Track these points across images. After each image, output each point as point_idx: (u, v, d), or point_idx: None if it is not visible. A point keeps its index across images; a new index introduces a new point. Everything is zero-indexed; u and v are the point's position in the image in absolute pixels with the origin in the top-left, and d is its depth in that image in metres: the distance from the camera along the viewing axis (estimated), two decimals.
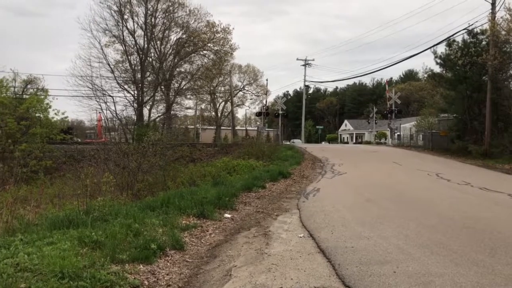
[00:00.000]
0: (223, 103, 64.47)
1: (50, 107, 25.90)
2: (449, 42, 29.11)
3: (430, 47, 30.58)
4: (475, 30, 28.10)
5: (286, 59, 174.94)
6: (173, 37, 36.65)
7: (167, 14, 35.00)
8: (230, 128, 56.95)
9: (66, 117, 28.20)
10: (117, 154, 15.30)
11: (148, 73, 35.37)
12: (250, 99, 70.41)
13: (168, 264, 5.91)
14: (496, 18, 25.66)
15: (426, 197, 11.39)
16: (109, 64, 32.37)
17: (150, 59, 35.81)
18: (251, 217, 9.10)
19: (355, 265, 5.38)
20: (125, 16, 33.38)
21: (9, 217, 7.59)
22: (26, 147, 21.52)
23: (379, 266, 5.33)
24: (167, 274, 5.50)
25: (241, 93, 67.93)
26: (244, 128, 67.02)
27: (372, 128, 73.51)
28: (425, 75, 35.51)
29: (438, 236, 6.85)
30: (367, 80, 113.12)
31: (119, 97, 34.38)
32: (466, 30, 28.18)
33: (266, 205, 10.47)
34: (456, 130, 30.51)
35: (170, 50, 36.83)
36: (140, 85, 33.35)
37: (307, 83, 68.26)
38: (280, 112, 45.61)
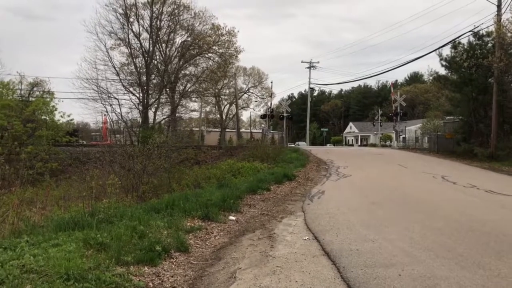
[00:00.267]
0: (228, 105, 64.70)
1: (56, 109, 26.04)
2: (455, 44, 29.02)
3: (435, 50, 30.49)
4: (481, 32, 28.02)
5: (291, 62, 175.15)
6: (178, 40, 36.86)
7: (172, 17, 35.14)
8: (235, 130, 57.08)
9: (71, 120, 28.29)
10: (122, 156, 15.35)
11: (153, 76, 35.50)
12: (255, 101, 70.64)
13: (173, 266, 5.91)
14: (502, 20, 25.57)
15: (431, 199, 11.34)
16: (114, 67, 32.56)
17: (155, 62, 35.95)
18: (255, 220, 9.10)
19: (360, 268, 5.36)
20: (131, 19, 33.56)
21: (15, 219, 7.63)
22: (32, 149, 21.60)
23: (384, 269, 5.32)
24: (172, 276, 5.51)
25: (246, 95, 68.19)
26: (249, 131, 67.17)
27: (377, 130, 73.40)
28: (431, 78, 35.36)
29: (444, 239, 6.82)
30: (372, 83, 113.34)
31: (124, 99, 34.58)
32: (471, 32, 28.11)
33: (271, 208, 10.46)
34: (461, 133, 30.38)
35: (175, 53, 36.96)
36: (145, 87, 33.47)
37: (312, 86, 68.22)
38: (285, 114, 45.62)
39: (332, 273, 5.25)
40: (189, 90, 39.39)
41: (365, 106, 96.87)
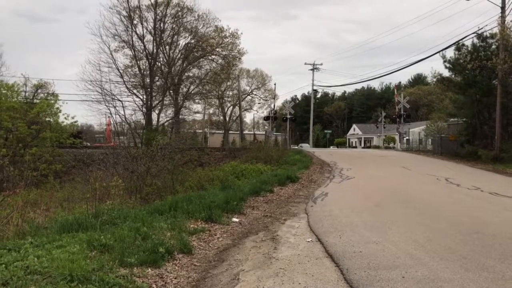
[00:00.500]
0: (231, 107, 64.70)
1: (60, 111, 26.10)
2: (458, 46, 28.94)
3: (439, 51, 30.39)
4: (485, 34, 27.93)
5: (294, 64, 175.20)
6: (182, 42, 36.92)
7: (176, 19, 35.23)
8: (238, 132, 57.09)
9: (75, 122, 28.39)
10: (126, 158, 15.39)
11: (157, 78, 35.57)
12: (258, 103, 70.61)
13: (176, 267, 5.92)
14: (506, 22, 25.52)
15: (435, 201, 11.31)
16: (118, 69, 32.64)
17: (159, 64, 36.03)
18: (259, 222, 9.10)
19: (363, 270, 5.36)
20: (135, 21, 33.65)
21: (20, 220, 7.67)
22: (36, 151, 21.68)
23: (387, 271, 5.31)
24: (175, 278, 5.52)
25: (249, 97, 68.20)
26: (252, 133, 67.19)
27: (381, 132, 73.28)
28: (434, 79, 35.25)
29: (447, 241, 6.80)
30: (376, 85, 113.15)
31: (128, 101, 34.49)
32: (475, 34, 28.01)
33: (274, 210, 10.46)
34: (465, 135, 30.27)
35: (179, 55, 37.05)
36: (149, 89, 33.54)
37: (315, 88, 68.18)
38: (288, 116, 45.59)
39: (335, 275, 5.25)
40: (193, 92, 39.48)
41: (369, 108, 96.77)
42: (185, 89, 38.80)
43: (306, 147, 55.13)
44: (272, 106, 60.63)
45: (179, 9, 35.03)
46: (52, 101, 27.75)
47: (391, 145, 62.23)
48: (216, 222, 8.77)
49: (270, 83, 68.08)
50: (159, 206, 9.33)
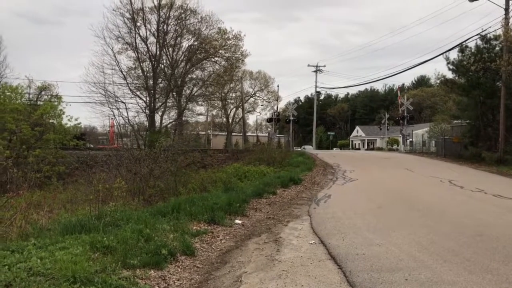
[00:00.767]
0: (234, 109, 64.76)
1: (63, 113, 26.17)
2: (462, 47, 28.87)
3: (442, 53, 30.33)
4: (488, 35, 27.86)
5: (297, 65, 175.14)
6: (185, 44, 36.98)
7: (179, 21, 35.30)
8: (241, 134, 57.08)
9: (79, 123, 28.44)
10: (129, 160, 15.40)
11: (160, 80, 35.65)
12: (261, 105, 70.71)
13: (179, 269, 5.92)
14: (509, 24, 25.40)
15: (438, 204, 11.27)
16: (121, 71, 32.73)
17: (162, 66, 36.11)
18: (261, 223, 9.09)
19: (366, 272, 5.34)
20: (138, 24, 33.75)
21: (23, 222, 7.68)
22: (39, 152, 21.74)
23: (390, 273, 5.29)
24: (178, 280, 5.51)
25: (252, 99, 68.27)
26: (255, 134, 67.12)
27: (384, 134, 73.10)
28: (438, 81, 35.31)
29: (451, 244, 6.77)
30: (379, 86, 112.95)
31: (131, 103, 34.61)
32: (479, 36, 27.94)
33: (277, 212, 10.45)
34: (469, 137, 30.17)
35: (182, 57, 37.12)
36: (152, 91, 33.61)
37: (318, 89, 68.17)
38: (291, 118, 45.53)
39: (338, 277, 5.23)
40: (196, 94, 39.53)
41: (372, 109, 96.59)
42: (188, 91, 38.88)
43: (309, 149, 55.06)
44: (275, 108, 60.59)
45: (182, 11, 35.13)
46: (56, 103, 27.85)
47: (395, 147, 62.07)
48: (219, 224, 8.77)
49: (273, 85, 68.22)
50: (162, 208, 9.34)
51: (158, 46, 34.38)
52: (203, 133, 61.77)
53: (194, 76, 39.04)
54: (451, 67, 29.66)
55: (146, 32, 34.11)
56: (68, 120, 26.21)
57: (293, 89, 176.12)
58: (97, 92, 30.06)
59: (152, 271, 5.56)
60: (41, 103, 31.65)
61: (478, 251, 6.35)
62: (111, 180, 13.13)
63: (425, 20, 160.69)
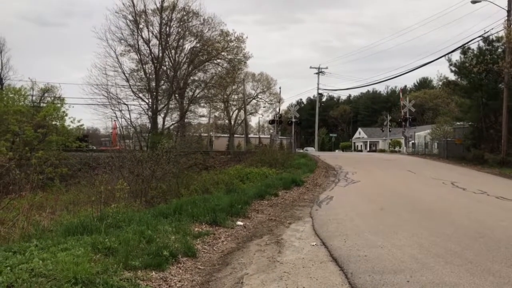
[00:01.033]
0: (236, 111, 64.80)
1: (66, 115, 26.27)
2: (464, 49, 28.86)
3: (444, 55, 30.37)
4: (491, 37, 27.85)
5: (300, 67, 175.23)
6: (187, 46, 37.03)
7: (181, 23, 35.35)
8: (243, 136, 57.15)
9: (81, 125, 28.59)
10: (131, 162, 15.42)
11: (162, 82, 35.69)
12: (263, 107, 70.75)
13: (180, 271, 5.92)
14: None
15: (441, 205, 11.25)
16: (124, 73, 32.74)
17: (165, 68, 36.15)
18: (263, 225, 9.09)
19: (368, 274, 5.33)
20: (140, 26, 33.79)
21: (25, 223, 7.69)
22: (42, 154, 21.79)
23: (392, 275, 5.28)
24: (179, 281, 5.52)
25: (254, 101, 68.34)
26: (257, 136, 67.23)
27: (386, 136, 73.04)
28: (440, 83, 35.29)
29: (453, 245, 6.75)
30: (381, 88, 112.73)
31: (133, 105, 34.57)
32: (481, 38, 27.93)
33: (278, 213, 10.45)
34: (471, 138, 30.12)
35: (184, 59, 37.18)
36: (154, 93, 33.65)
37: (320, 91, 68.30)
38: (293, 120, 45.54)
39: (340, 279, 5.23)
40: (198, 95, 39.60)
41: (374, 111, 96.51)
42: (190, 93, 38.95)
43: (311, 150, 55.06)
44: (277, 109, 60.61)
45: (184, 13, 35.17)
46: (59, 105, 27.93)
47: (397, 148, 61.99)
48: (221, 225, 8.77)
49: (275, 86, 68.28)
50: (164, 209, 9.34)
51: (160, 48, 34.45)
52: (205, 135, 61.85)
53: (197, 78, 39.16)
54: (453, 69, 29.68)
55: (148, 34, 34.19)
56: (71, 122, 26.34)
57: (295, 91, 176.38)
58: (100, 94, 30.08)
59: (153, 273, 5.56)
60: (44, 105, 31.78)
61: (480, 253, 6.33)
62: (113, 182, 13.15)
63: (427, 22, 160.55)
